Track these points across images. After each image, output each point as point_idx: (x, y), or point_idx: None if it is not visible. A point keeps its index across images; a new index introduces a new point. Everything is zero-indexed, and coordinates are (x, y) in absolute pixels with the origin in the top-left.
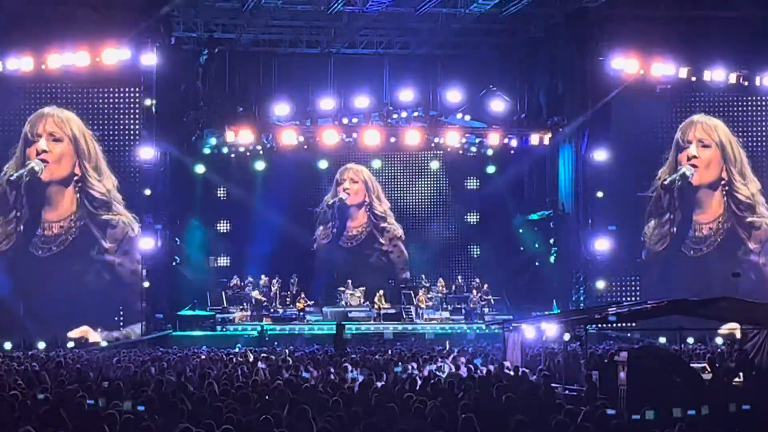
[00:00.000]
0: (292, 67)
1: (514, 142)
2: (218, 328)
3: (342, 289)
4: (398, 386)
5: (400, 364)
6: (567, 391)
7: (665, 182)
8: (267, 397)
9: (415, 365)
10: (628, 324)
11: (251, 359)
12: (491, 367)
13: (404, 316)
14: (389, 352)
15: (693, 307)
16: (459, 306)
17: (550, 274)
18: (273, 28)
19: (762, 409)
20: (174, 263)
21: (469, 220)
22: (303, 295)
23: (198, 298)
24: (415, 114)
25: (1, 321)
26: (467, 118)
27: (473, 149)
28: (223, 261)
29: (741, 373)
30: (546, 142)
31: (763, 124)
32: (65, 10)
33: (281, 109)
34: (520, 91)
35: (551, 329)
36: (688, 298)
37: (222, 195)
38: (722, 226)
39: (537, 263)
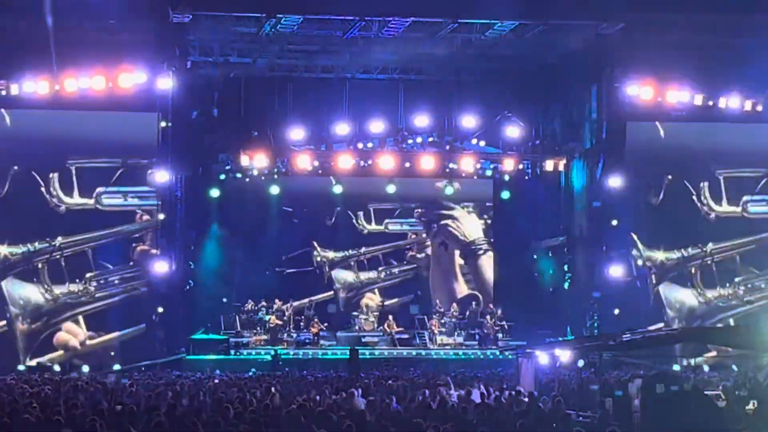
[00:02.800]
0: (307, 91)
1: (528, 168)
2: (232, 352)
3: (356, 313)
4: (411, 411)
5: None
6: (581, 418)
7: None
8: (280, 422)
9: (428, 391)
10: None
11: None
12: (505, 393)
13: (418, 341)
14: (406, 377)
15: (707, 334)
16: (473, 331)
17: (564, 300)
18: (288, 53)
19: None
20: (187, 287)
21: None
22: (317, 320)
23: (211, 322)
24: (430, 139)
25: None
26: (482, 143)
27: (488, 174)
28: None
29: (754, 401)
30: (561, 168)
31: None
32: (81, 34)
33: (296, 133)
34: (536, 117)
35: (565, 355)
36: (702, 326)
37: (237, 219)
38: None
39: (551, 289)
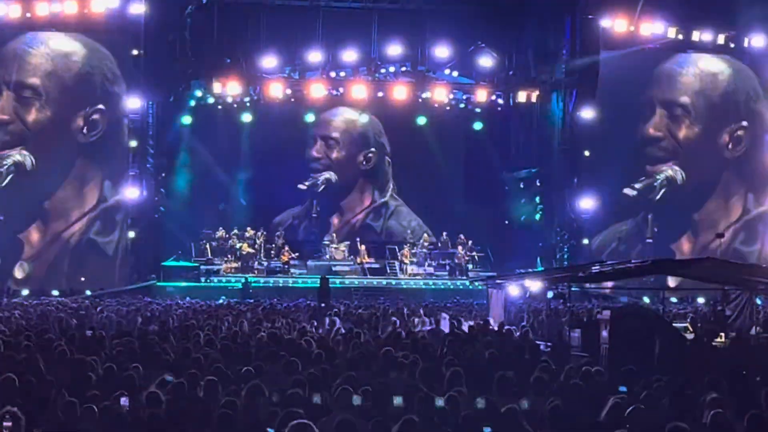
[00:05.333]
0: (280, 19)
1: (501, 99)
2: (202, 279)
3: (327, 242)
4: (381, 340)
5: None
6: (549, 349)
7: None
8: (250, 349)
9: (397, 320)
10: (612, 283)
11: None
12: (474, 323)
13: (388, 270)
14: (374, 306)
15: (676, 267)
16: (443, 262)
17: (536, 232)
18: None
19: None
20: (159, 214)
21: (455, 176)
22: (288, 248)
23: (183, 249)
24: (403, 69)
25: None
26: (455, 74)
27: (461, 105)
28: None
29: (722, 334)
30: (533, 99)
31: None
32: None
33: (269, 61)
34: (509, 48)
35: (535, 286)
36: (671, 258)
37: (208, 146)
38: None
39: (522, 220)
